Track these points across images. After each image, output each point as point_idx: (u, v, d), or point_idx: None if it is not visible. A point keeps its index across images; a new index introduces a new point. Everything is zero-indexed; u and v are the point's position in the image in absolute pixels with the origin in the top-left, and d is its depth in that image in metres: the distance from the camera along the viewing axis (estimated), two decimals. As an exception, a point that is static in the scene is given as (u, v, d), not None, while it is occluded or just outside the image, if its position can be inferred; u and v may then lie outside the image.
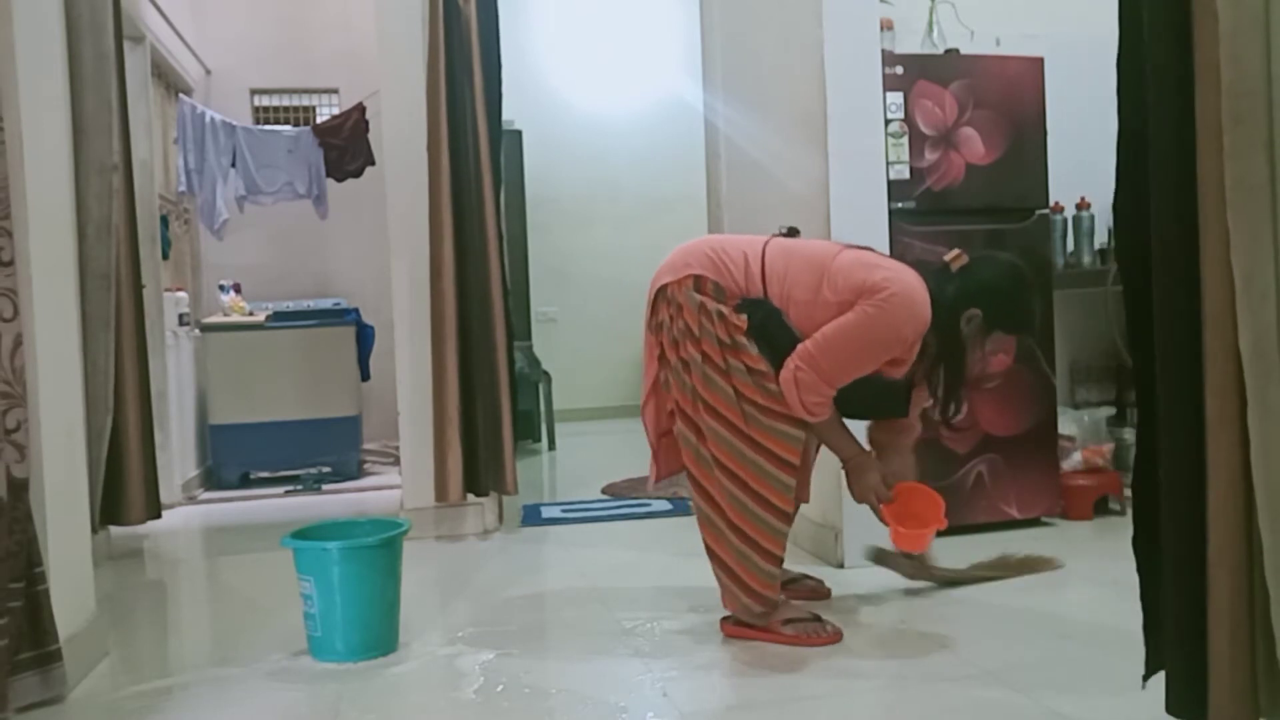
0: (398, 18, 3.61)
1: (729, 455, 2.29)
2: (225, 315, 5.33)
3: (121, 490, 3.39)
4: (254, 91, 6.16)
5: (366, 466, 5.36)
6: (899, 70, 3.20)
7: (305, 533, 2.41)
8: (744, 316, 2.29)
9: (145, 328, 3.59)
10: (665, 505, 4.05)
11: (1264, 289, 1.21)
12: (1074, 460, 3.48)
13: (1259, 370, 1.22)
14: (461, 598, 2.86)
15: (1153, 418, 1.44)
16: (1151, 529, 1.46)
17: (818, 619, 2.35)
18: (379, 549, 2.35)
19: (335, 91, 6.15)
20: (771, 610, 2.34)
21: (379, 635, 2.35)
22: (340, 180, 5.64)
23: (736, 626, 2.39)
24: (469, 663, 2.29)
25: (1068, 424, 3.51)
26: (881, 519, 2.46)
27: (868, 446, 2.53)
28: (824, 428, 2.37)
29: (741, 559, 2.30)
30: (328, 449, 5.13)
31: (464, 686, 2.16)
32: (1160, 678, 1.48)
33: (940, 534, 3.24)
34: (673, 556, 3.16)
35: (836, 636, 2.32)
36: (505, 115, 3.69)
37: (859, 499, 2.48)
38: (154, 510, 3.53)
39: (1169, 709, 1.41)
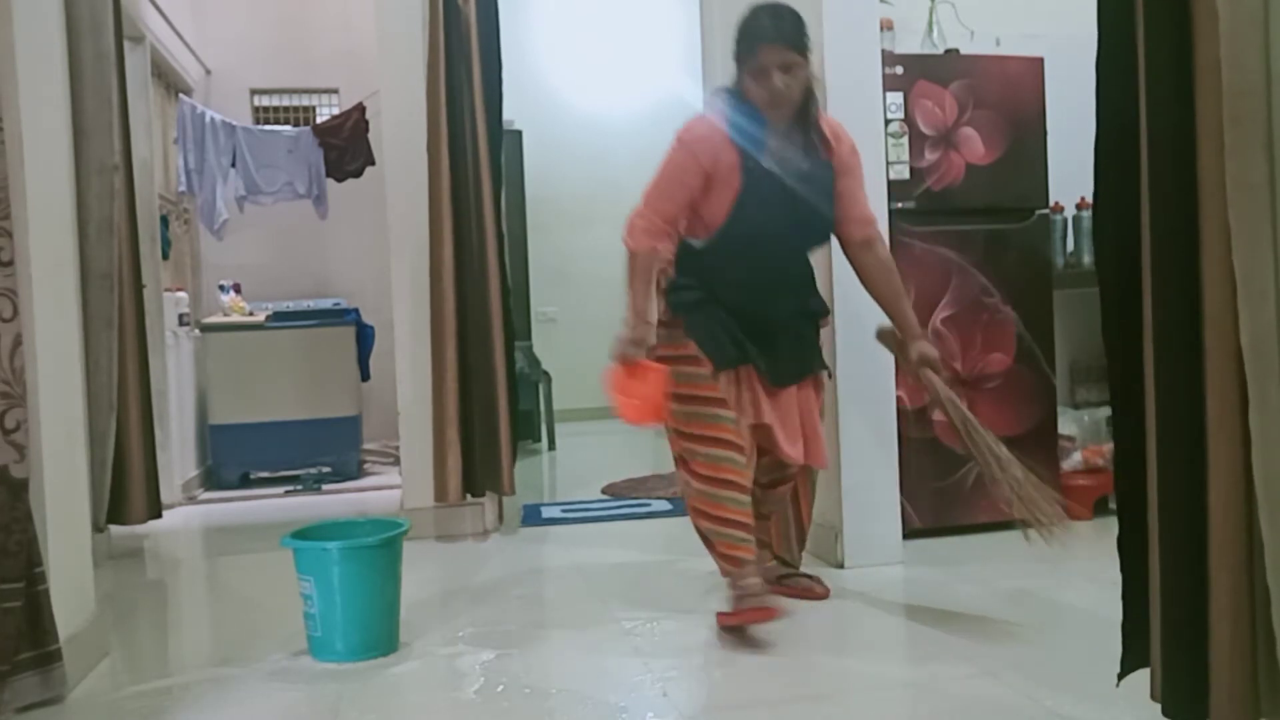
0: (398, 18, 3.61)
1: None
2: (225, 315, 5.33)
3: (122, 490, 3.39)
4: (254, 91, 6.16)
5: (366, 466, 5.36)
6: (899, 70, 3.20)
7: (305, 533, 2.41)
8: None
9: (146, 328, 3.59)
10: (665, 505, 4.05)
11: (1263, 287, 1.22)
12: (1074, 460, 3.48)
13: (1259, 369, 1.22)
14: (461, 598, 2.86)
15: (1135, 418, 1.45)
16: (1139, 528, 1.47)
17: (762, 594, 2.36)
18: (379, 549, 2.35)
19: (335, 91, 6.15)
20: (741, 571, 2.38)
21: (379, 635, 2.35)
22: (340, 180, 5.64)
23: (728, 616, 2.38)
24: (469, 663, 2.29)
25: (1068, 424, 3.51)
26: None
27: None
28: (630, 276, 2.45)
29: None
30: (328, 449, 5.13)
31: (464, 686, 2.16)
32: (1143, 676, 1.49)
33: (940, 533, 3.26)
34: (673, 556, 3.16)
35: (767, 612, 2.31)
36: (505, 115, 3.69)
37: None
38: (154, 510, 3.53)
39: (1165, 711, 1.41)
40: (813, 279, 2.65)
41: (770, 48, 2.35)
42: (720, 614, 2.38)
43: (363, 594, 2.31)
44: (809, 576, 2.72)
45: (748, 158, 2.39)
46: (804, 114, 2.45)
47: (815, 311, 2.63)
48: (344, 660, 2.29)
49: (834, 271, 2.91)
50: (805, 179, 2.44)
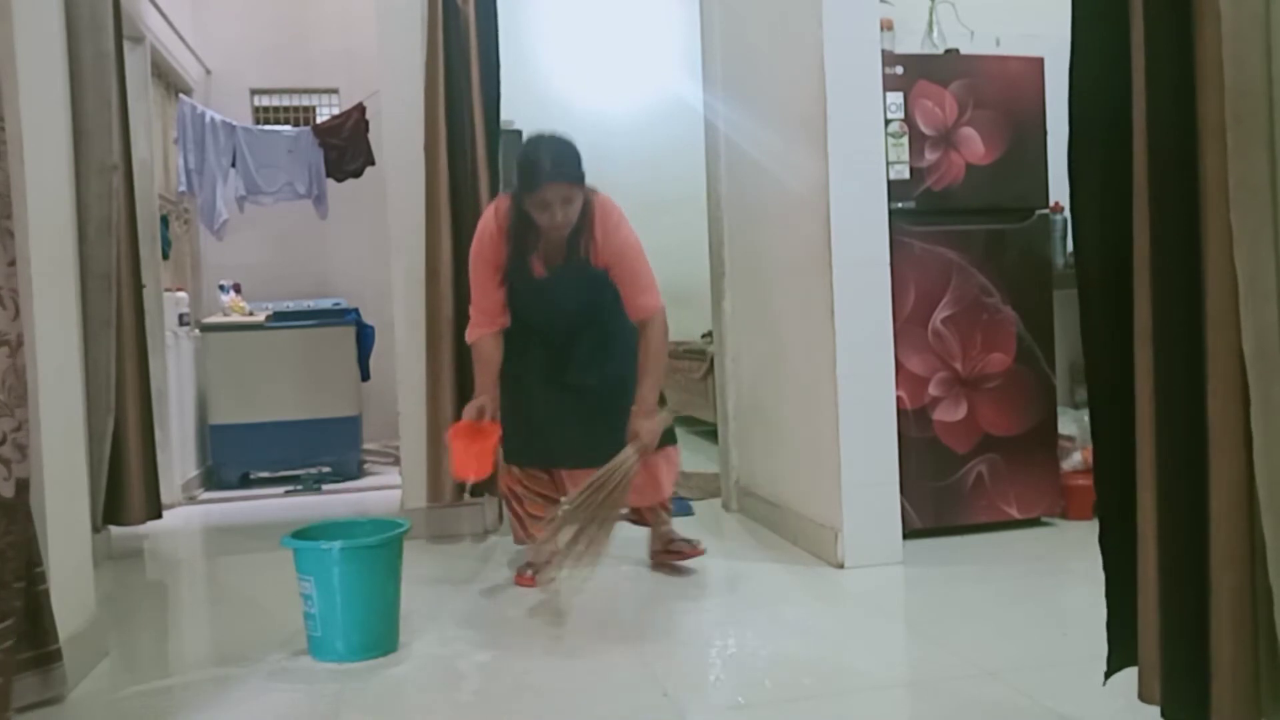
0: (397, 18, 3.61)
1: None
2: (225, 315, 5.33)
3: (122, 490, 3.39)
4: (254, 91, 6.16)
5: (366, 466, 5.36)
6: (899, 70, 3.20)
7: (305, 533, 2.41)
8: None
9: (145, 327, 3.59)
10: (665, 505, 4.03)
11: (1266, 288, 1.21)
12: (1074, 460, 3.48)
13: (1262, 370, 1.22)
14: (461, 598, 2.85)
15: (1119, 418, 1.46)
16: (1122, 527, 1.47)
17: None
18: (379, 549, 2.35)
19: (335, 91, 6.15)
20: (534, 547, 2.84)
21: (379, 635, 2.35)
22: (340, 180, 5.64)
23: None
24: (468, 663, 2.29)
25: (1068, 424, 3.51)
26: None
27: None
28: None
29: None
30: (328, 449, 5.13)
31: (463, 687, 2.16)
32: (1132, 675, 1.49)
33: (940, 533, 3.26)
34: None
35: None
36: (505, 115, 3.69)
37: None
38: (154, 510, 3.53)
39: (1164, 712, 1.41)
40: (609, 351, 2.89)
41: (552, 185, 2.62)
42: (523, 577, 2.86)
43: (363, 594, 2.31)
44: (686, 540, 3.03)
45: (521, 257, 2.79)
46: (578, 228, 2.73)
47: (615, 384, 2.85)
48: (344, 660, 2.29)
49: (834, 277, 2.92)
50: (575, 276, 2.77)
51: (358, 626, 2.30)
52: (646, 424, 2.70)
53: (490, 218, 2.81)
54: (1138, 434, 1.42)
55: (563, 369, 2.89)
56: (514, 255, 2.79)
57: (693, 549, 3.03)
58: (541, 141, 2.69)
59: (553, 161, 2.62)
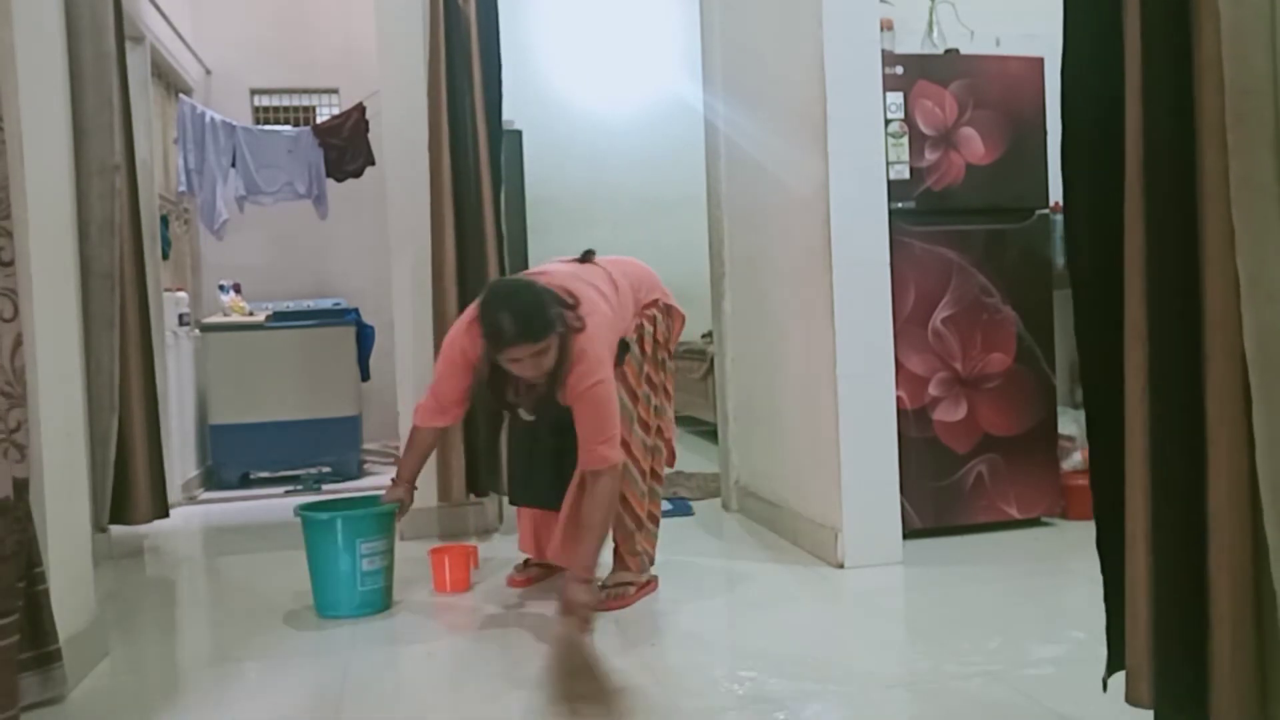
0: (398, 18, 3.61)
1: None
2: (225, 315, 5.33)
3: (128, 490, 3.39)
4: (254, 91, 6.16)
5: (366, 466, 5.36)
6: (899, 70, 3.20)
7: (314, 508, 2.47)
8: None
9: (150, 327, 3.59)
10: (665, 505, 4.04)
11: (1270, 288, 1.20)
12: (1074, 460, 3.48)
13: (1265, 370, 1.21)
14: (461, 597, 2.86)
15: (1114, 420, 1.45)
16: (1118, 529, 1.47)
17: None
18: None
19: (335, 91, 6.15)
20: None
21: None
22: (340, 180, 5.64)
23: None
24: (470, 662, 2.29)
25: (1068, 424, 3.51)
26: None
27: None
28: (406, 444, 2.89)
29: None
30: (328, 449, 5.13)
31: (464, 686, 2.16)
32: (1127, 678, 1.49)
33: (940, 533, 3.26)
34: (671, 555, 3.16)
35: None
36: (505, 115, 3.69)
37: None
38: (161, 509, 3.52)
39: (1158, 714, 1.40)
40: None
41: (517, 347, 2.38)
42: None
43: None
44: (619, 591, 2.78)
45: (502, 399, 2.63)
46: (555, 372, 2.45)
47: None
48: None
49: (834, 277, 2.92)
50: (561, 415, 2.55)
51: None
52: (583, 595, 2.28)
53: (463, 333, 2.58)
54: (1127, 435, 1.41)
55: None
56: (498, 398, 2.62)
57: (614, 600, 2.71)
58: (501, 297, 2.43)
59: (515, 323, 2.36)
